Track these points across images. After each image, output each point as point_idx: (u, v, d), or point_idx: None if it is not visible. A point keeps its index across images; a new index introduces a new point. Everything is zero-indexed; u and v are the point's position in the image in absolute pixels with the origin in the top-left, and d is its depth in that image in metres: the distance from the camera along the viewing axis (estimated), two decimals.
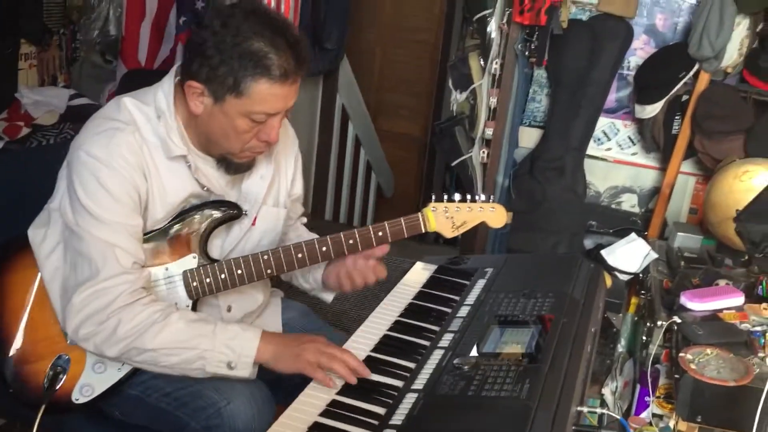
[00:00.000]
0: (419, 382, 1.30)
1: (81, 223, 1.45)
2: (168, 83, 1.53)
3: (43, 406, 1.47)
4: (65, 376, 1.53)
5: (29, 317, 1.54)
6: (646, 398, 2.20)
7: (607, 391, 2.48)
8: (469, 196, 1.67)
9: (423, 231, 1.63)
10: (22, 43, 3.00)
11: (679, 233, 2.70)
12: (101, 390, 1.55)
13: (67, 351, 1.55)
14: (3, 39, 2.88)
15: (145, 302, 1.47)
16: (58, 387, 1.52)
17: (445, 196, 1.66)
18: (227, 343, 1.45)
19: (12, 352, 1.55)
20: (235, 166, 1.56)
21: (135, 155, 1.47)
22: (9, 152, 2.67)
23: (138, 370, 1.55)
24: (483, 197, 1.68)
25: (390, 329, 1.53)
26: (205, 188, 1.56)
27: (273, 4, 2.99)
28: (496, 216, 1.68)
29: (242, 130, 1.48)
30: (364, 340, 1.49)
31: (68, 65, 3.32)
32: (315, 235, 1.69)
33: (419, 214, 1.63)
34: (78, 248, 1.46)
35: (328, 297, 1.79)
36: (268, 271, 1.57)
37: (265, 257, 1.57)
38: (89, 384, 1.55)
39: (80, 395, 1.54)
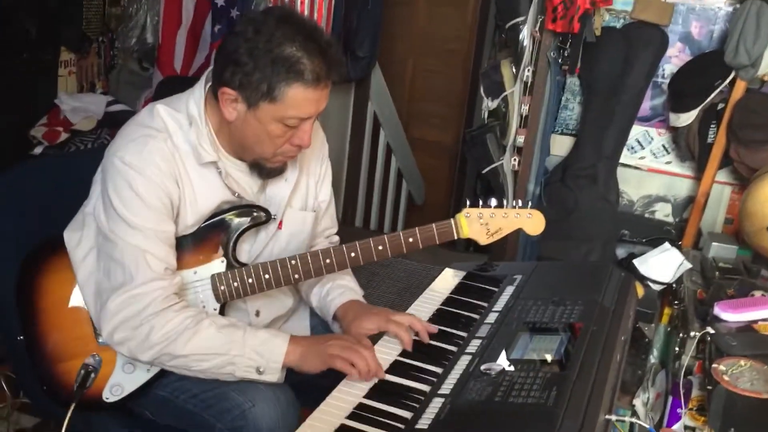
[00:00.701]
0: (446, 387, 1.30)
1: (114, 229, 1.48)
2: (199, 90, 1.56)
3: (74, 405, 1.50)
4: (96, 376, 1.55)
5: (63, 317, 1.57)
6: (679, 410, 2.17)
7: (638, 402, 2.45)
8: (505, 202, 1.62)
9: (455, 237, 1.60)
10: (62, 50, 3.07)
11: (714, 243, 2.66)
12: (130, 390, 1.58)
13: (99, 351, 1.57)
14: (43, 47, 2.95)
15: (177, 309, 1.49)
16: (89, 386, 1.54)
17: (480, 202, 1.62)
18: (256, 349, 1.47)
19: (46, 351, 1.59)
20: (268, 170, 1.58)
21: (167, 162, 1.50)
22: (48, 157, 2.73)
23: (166, 372, 1.58)
24: (520, 203, 1.64)
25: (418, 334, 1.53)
26: (236, 194, 1.58)
27: (306, 11, 3.03)
28: (534, 223, 1.63)
29: (275, 135, 1.50)
30: (391, 344, 1.50)
31: (106, 72, 3.39)
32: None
33: (451, 220, 1.60)
34: (111, 254, 1.49)
35: (333, 326, 1.75)
36: (296, 276, 1.58)
37: (293, 262, 1.58)
38: (119, 384, 1.58)
39: (110, 394, 1.57)
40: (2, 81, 2.73)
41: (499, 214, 1.61)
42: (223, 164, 1.56)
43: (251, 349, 1.47)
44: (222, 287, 1.57)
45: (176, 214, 1.53)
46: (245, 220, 1.58)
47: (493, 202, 1.62)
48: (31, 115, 2.93)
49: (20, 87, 2.84)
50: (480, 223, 1.61)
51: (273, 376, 1.49)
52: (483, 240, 1.62)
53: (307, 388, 1.72)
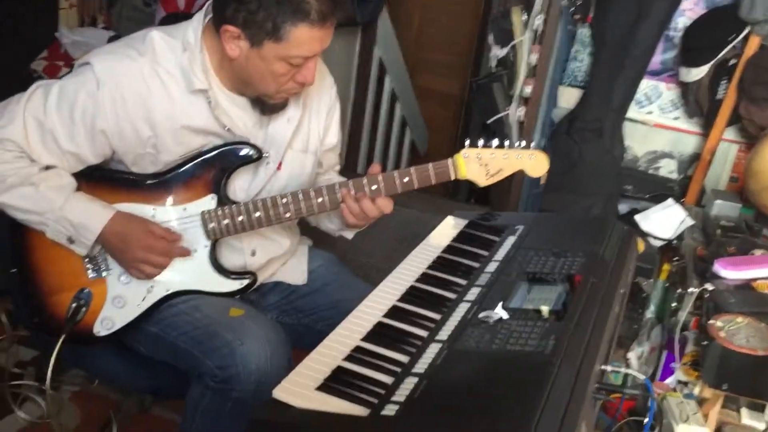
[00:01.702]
0: (444, 333, 1.30)
1: (36, 94, 1.52)
2: (198, 19, 1.54)
3: (63, 336, 1.52)
4: (87, 309, 1.57)
5: (54, 251, 1.57)
6: (672, 364, 2.18)
7: (632, 356, 2.47)
8: (507, 142, 1.58)
9: (452, 178, 1.58)
10: None
11: (717, 201, 2.64)
12: (121, 324, 1.60)
13: (89, 285, 1.58)
14: None
15: (13, 158, 1.50)
16: (79, 319, 1.56)
17: (481, 142, 1.58)
18: (72, 221, 1.50)
19: (37, 283, 1.60)
20: (270, 106, 1.57)
21: (136, 87, 1.49)
22: None
23: (157, 308, 1.59)
24: (523, 143, 1.60)
25: (417, 280, 1.53)
26: (226, 128, 1.56)
27: None
28: (536, 164, 1.59)
29: (279, 74, 1.48)
30: (391, 290, 1.49)
31: (108, 7, 3.32)
32: (345, 179, 1.68)
33: (449, 160, 1.58)
34: (15, 100, 1.52)
35: (349, 234, 1.77)
36: (287, 214, 1.57)
37: (284, 200, 1.56)
38: (109, 317, 1.59)
39: (101, 328, 1.59)
40: (3, 14, 2.68)
41: (500, 155, 1.58)
42: (214, 94, 1.54)
43: (66, 218, 1.50)
44: (212, 224, 1.57)
45: (142, 140, 1.53)
46: (236, 157, 1.57)
47: (495, 142, 1.58)
48: (31, 49, 2.89)
49: (21, 21, 2.79)
50: (479, 164, 1.58)
51: (83, 249, 1.53)
52: (482, 181, 1.59)
53: (302, 330, 1.74)
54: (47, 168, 1.54)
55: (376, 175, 1.57)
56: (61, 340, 1.52)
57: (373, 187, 1.57)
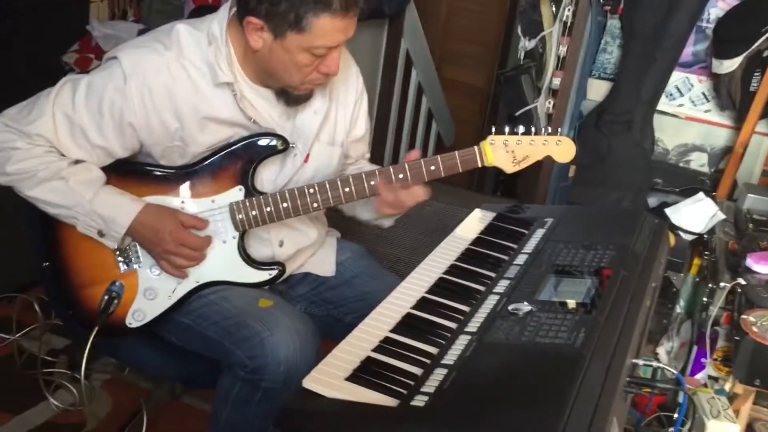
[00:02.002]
0: (473, 325, 1.30)
1: (64, 88, 1.53)
2: (223, 12, 1.55)
3: (96, 329, 1.54)
4: (119, 302, 1.58)
5: (85, 244, 1.59)
6: (703, 360, 2.16)
7: (662, 351, 2.45)
8: (533, 129, 1.56)
9: (479, 165, 1.56)
10: None
11: (749, 195, 2.60)
12: (152, 316, 1.61)
13: (121, 278, 1.60)
14: None
15: (43, 152, 1.52)
16: (111, 311, 1.57)
17: (507, 129, 1.57)
18: (102, 214, 1.52)
19: (70, 277, 1.62)
20: (295, 98, 1.57)
21: (162, 80, 1.50)
22: None
23: (188, 300, 1.60)
24: (549, 129, 1.58)
25: (446, 272, 1.52)
26: (251, 120, 1.57)
27: None
28: (563, 150, 1.57)
29: (303, 64, 1.49)
30: (419, 281, 1.49)
31: (138, 0, 3.35)
32: (376, 166, 1.68)
33: (475, 147, 1.56)
34: (44, 95, 1.53)
35: (387, 222, 1.76)
36: (314, 204, 1.57)
37: (311, 191, 1.56)
38: (141, 309, 1.60)
39: (133, 320, 1.61)
40: (35, 8, 2.71)
41: (526, 141, 1.56)
42: (239, 86, 1.55)
43: (96, 212, 1.52)
44: (240, 216, 1.58)
45: (170, 132, 1.54)
46: (263, 148, 1.58)
47: (521, 129, 1.56)
48: (63, 42, 2.93)
49: (53, 14, 2.83)
50: (505, 151, 1.56)
51: (113, 242, 1.55)
52: (509, 168, 1.58)
53: (331, 322, 1.75)
54: (77, 162, 1.56)
55: (403, 164, 1.56)
56: (94, 333, 1.53)
57: (400, 176, 1.56)
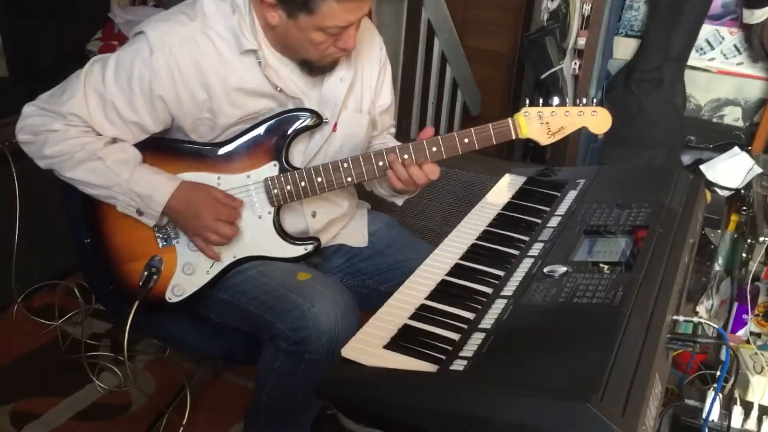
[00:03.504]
0: (509, 289, 1.29)
1: (95, 68, 1.55)
2: None
3: (137, 302, 1.56)
4: (158, 277, 1.61)
5: (124, 221, 1.61)
6: (744, 316, 2.13)
7: (702, 309, 2.42)
8: (568, 100, 1.57)
9: (514, 137, 1.56)
10: None
11: None
12: (191, 291, 1.63)
13: (160, 253, 1.62)
14: None
15: (79, 132, 1.54)
16: (151, 286, 1.60)
17: (541, 100, 1.56)
18: (139, 192, 1.54)
19: (111, 252, 1.64)
20: (317, 68, 1.58)
21: (188, 51, 1.51)
22: None
23: (226, 275, 1.62)
24: (584, 100, 1.56)
25: (479, 238, 1.52)
26: (278, 88, 1.57)
27: None
28: (599, 120, 1.56)
29: (318, 42, 1.49)
30: (453, 248, 1.49)
31: None
32: (398, 143, 1.67)
33: (509, 119, 1.55)
34: (75, 76, 1.55)
35: (399, 201, 1.76)
36: (348, 179, 1.58)
37: (345, 165, 1.57)
38: (180, 284, 1.63)
39: (173, 295, 1.63)
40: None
41: (561, 113, 1.55)
42: (263, 54, 1.55)
43: (134, 191, 1.54)
44: (275, 191, 1.59)
45: (198, 104, 1.56)
46: (296, 123, 1.58)
47: (555, 100, 1.55)
48: (86, 30, 2.94)
49: (75, 4, 2.84)
50: (540, 123, 1.55)
51: (151, 220, 1.58)
52: (544, 140, 1.57)
53: (367, 292, 1.75)
54: (113, 142, 1.57)
55: (436, 138, 1.55)
56: (135, 307, 1.56)
57: (434, 149, 1.55)
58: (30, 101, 1.58)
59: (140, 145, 1.60)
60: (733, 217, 2.56)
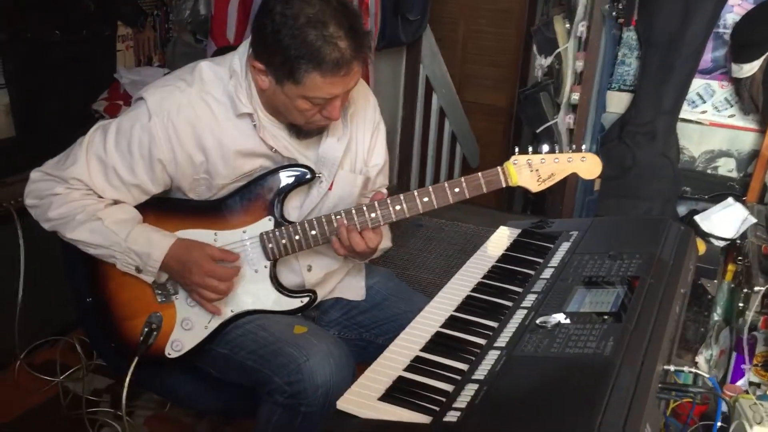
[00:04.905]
0: (502, 340, 1.31)
1: (96, 134, 1.61)
2: (243, 48, 1.61)
3: (136, 358, 1.58)
4: (158, 333, 1.63)
5: (124, 278, 1.64)
6: (743, 366, 2.13)
7: (701, 360, 2.42)
8: (556, 146, 1.58)
9: (504, 185, 1.58)
10: (119, 25, 3.14)
11: None
12: (190, 346, 1.66)
13: (159, 309, 1.65)
14: (102, 22, 3.03)
15: (81, 195, 1.59)
16: (151, 342, 1.62)
17: (530, 148, 1.59)
18: (137, 251, 1.58)
19: (111, 310, 1.67)
20: (305, 133, 1.62)
21: (185, 116, 1.56)
22: None
23: (224, 330, 1.65)
24: (573, 147, 1.59)
25: (473, 290, 1.54)
26: (273, 149, 1.62)
27: None
28: (589, 166, 1.59)
29: (303, 109, 1.54)
30: (447, 300, 1.51)
31: (162, 45, 3.45)
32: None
33: (498, 168, 1.58)
34: (77, 143, 1.62)
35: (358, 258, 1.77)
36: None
37: (338, 217, 1.60)
38: (179, 340, 1.65)
39: (172, 350, 1.65)
40: (65, 57, 2.81)
41: (550, 160, 1.58)
42: (258, 117, 1.60)
43: (132, 249, 1.57)
44: (270, 245, 1.62)
45: (197, 167, 1.60)
46: (290, 179, 1.62)
47: (545, 148, 1.58)
48: (92, 90, 3.02)
49: (81, 63, 2.93)
50: (530, 170, 1.58)
51: (150, 277, 1.61)
52: (535, 187, 1.59)
53: (364, 345, 1.77)
54: (115, 203, 1.62)
55: (428, 188, 1.59)
56: (134, 362, 1.58)
57: (425, 200, 1.59)
58: (36, 162, 1.64)
59: (140, 206, 1.64)
60: (730, 267, 2.58)
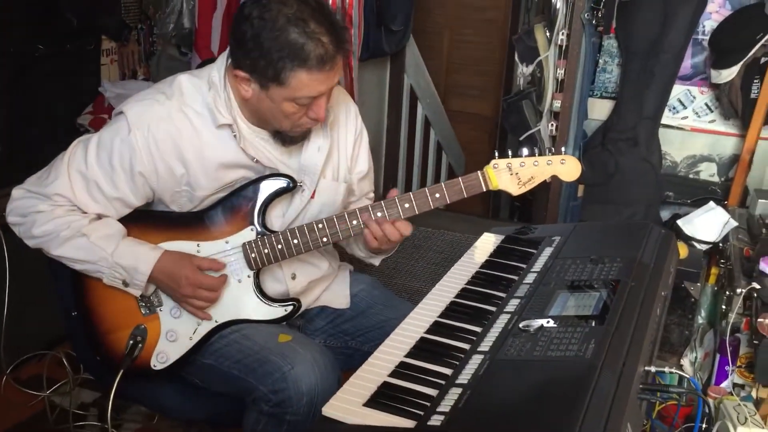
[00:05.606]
0: (485, 345, 1.32)
1: (78, 149, 1.61)
2: (221, 60, 1.62)
3: (121, 371, 1.58)
4: (143, 345, 1.64)
5: (109, 292, 1.65)
6: (726, 368, 2.15)
7: (686, 362, 2.44)
8: (537, 150, 1.59)
9: (484, 189, 1.58)
10: (102, 39, 3.14)
11: (760, 200, 2.62)
12: (175, 357, 1.66)
13: (144, 321, 1.66)
14: (85, 36, 3.03)
15: (63, 212, 1.60)
16: (136, 354, 1.62)
17: (510, 152, 1.59)
18: (123, 265, 1.58)
19: (97, 324, 1.68)
20: (290, 138, 1.63)
21: (165, 128, 1.57)
22: None
23: (209, 340, 1.65)
24: (553, 150, 1.60)
25: (457, 296, 1.56)
26: (254, 159, 1.63)
27: None
28: (568, 168, 1.58)
29: (290, 113, 1.55)
30: (432, 306, 1.52)
31: (146, 59, 3.45)
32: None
33: (478, 172, 1.58)
34: (59, 158, 1.62)
35: (376, 261, 1.81)
36: (324, 239, 1.62)
37: (320, 225, 1.61)
38: (164, 351, 1.65)
39: (157, 362, 1.65)
40: (49, 72, 2.81)
41: (530, 163, 1.58)
42: (238, 128, 1.61)
43: (118, 264, 1.58)
44: (253, 254, 1.63)
45: (177, 178, 1.61)
46: (272, 189, 1.63)
47: (524, 151, 1.58)
48: (77, 104, 3.02)
49: (65, 77, 2.93)
50: (510, 174, 1.58)
51: (137, 290, 1.62)
52: (515, 190, 1.59)
53: (350, 353, 1.78)
54: (98, 218, 1.62)
55: (407, 194, 1.60)
56: (119, 375, 1.58)
57: (406, 206, 1.60)
58: (21, 177, 1.64)
59: (123, 219, 1.65)
60: (713, 270, 2.61)
